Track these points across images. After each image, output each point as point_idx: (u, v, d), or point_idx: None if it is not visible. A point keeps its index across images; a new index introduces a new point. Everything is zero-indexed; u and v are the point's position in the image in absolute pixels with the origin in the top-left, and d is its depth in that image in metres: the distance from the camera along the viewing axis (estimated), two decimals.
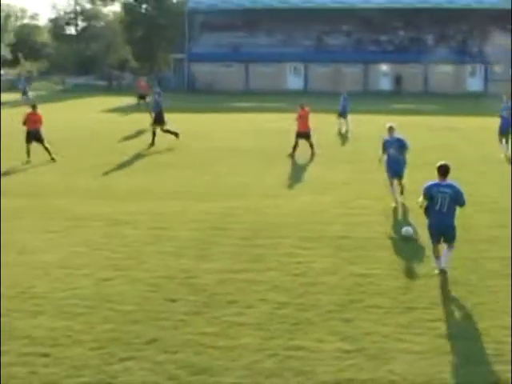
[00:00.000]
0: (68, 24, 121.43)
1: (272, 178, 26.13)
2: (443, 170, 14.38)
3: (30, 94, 63.10)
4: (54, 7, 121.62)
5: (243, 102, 59.77)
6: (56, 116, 51.75)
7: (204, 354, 11.08)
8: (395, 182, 21.03)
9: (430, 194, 14.32)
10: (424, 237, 15.89)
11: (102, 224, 19.39)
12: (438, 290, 13.95)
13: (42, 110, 41.43)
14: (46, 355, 11.08)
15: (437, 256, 14.72)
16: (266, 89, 77.97)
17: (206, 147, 34.40)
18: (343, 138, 38.73)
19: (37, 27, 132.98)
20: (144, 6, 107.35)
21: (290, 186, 24.42)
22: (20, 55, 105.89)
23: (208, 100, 66.75)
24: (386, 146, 21.23)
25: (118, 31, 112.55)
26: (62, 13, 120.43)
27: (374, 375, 10.45)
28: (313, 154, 30.66)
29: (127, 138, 38.18)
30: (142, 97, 55.31)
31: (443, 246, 14.74)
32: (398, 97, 73.08)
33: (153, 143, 34.16)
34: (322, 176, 26.34)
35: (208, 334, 11.80)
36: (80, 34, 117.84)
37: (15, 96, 72.73)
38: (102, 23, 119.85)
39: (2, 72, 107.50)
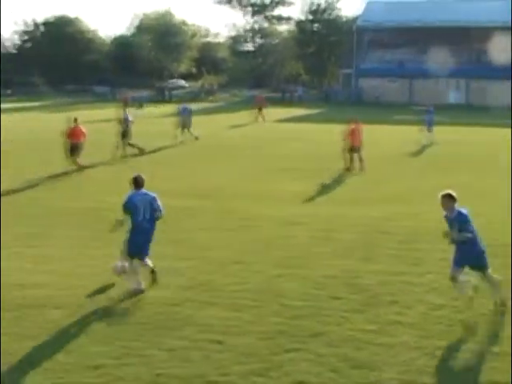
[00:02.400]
0: (246, 41, 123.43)
1: (428, 185, 25.60)
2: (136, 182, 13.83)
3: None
4: (234, 26, 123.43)
5: (406, 115, 59.06)
6: (231, 125, 52.79)
7: (364, 350, 10.96)
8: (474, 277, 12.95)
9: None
10: None
11: (273, 224, 19.53)
12: None
13: (220, 119, 41.80)
14: (219, 342, 11.24)
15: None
16: (428, 103, 76.72)
17: (369, 155, 34.19)
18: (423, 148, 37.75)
19: (218, 44, 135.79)
20: (316, 24, 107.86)
21: None
22: (203, 69, 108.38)
23: (373, 113, 66.22)
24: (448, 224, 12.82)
25: (291, 47, 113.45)
26: (241, 31, 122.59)
27: None
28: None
29: (294, 148, 38.32)
30: (259, 109, 57.52)
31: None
32: None
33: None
34: (478, 184, 25.63)
35: (368, 331, 11.67)
36: (257, 50, 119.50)
37: (199, 105, 74.43)
38: (277, 40, 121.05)
39: (187, 84, 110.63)
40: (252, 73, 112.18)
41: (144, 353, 10.84)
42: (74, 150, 28.89)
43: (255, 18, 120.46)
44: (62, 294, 13.58)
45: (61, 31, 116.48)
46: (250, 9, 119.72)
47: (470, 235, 12.31)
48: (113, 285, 14.05)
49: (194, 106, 75.90)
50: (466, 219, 12.47)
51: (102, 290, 13.85)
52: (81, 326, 12.00)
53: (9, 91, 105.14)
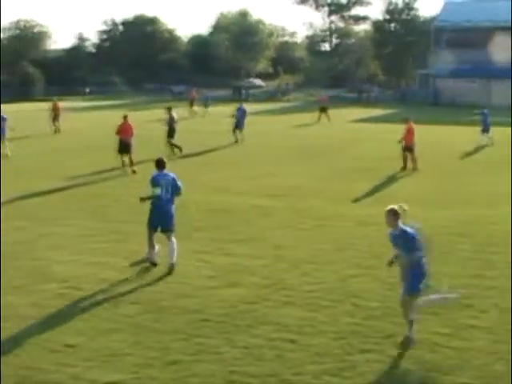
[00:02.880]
0: (323, 41, 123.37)
1: (504, 187, 25.18)
2: (159, 164, 15.64)
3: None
4: (310, 26, 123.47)
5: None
6: (305, 124, 52.76)
7: (438, 353, 10.88)
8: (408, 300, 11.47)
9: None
10: None
11: (348, 224, 19.50)
12: None
13: (294, 118, 41.60)
14: (292, 341, 11.29)
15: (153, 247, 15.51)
16: (507, 104, 75.47)
17: (446, 156, 33.89)
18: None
19: (295, 44, 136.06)
20: (393, 24, 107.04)
21: None
22: (279, 69, 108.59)
23: (449, 113, 65.49)
24: (392, 242, 11.78)
25: (367, 47, 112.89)
26: (317, 31, 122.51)
27: None
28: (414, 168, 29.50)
29: (369, 148, 38.13)
30: (323, 109, 56.23)
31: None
32: None
33: (180, 150, 34.24)
34: None
35: (442, 334, 11.58)
36: (333, 50, 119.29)
37: (275, 105, 74.60)
38: (353, 40, 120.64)
39: (264, 83, 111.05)
40: (328, 73, 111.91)
41: (219, 350, 10.97)
42: (122, 146, 29.10)
43: (332, 17, 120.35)
44: (138, 290, 13.82)
45: (139, 30, 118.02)
46: (326, 8, 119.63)
47: (420, 254, 11.32)
48: (190, 283, 14.24)
49: (270, 106, 76.63)
50: (412, 237, 11.36)
51: (179, 287, 14.03)
52: (157, 321, 12.19)
53: (88, 90, 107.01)
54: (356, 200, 23.10)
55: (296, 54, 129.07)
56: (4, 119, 35.06)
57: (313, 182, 26.52)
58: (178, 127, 35.22)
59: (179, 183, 15.59)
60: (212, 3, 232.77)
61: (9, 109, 47.34)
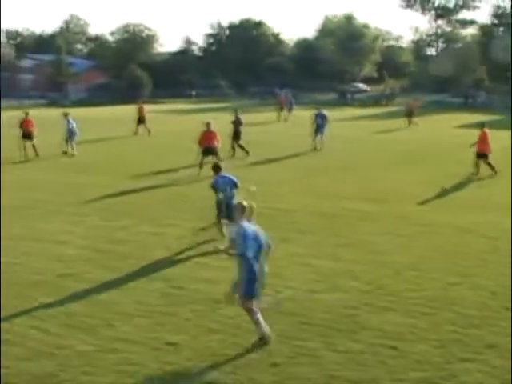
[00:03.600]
0: (429, 45, 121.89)
1: None
2: (217, 168, 18.23)
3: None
4: (416, 30, 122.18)
5: None
6: (404, 129, 52.25)
7: None
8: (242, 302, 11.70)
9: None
10: None
11: (450, 231, 19.25)
12: None
13: (397, 123, 40.83)
14: (393, 348, 11.24)
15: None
16: None
17: None
18: None
19: (400, 48, 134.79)
20: (501, 28, 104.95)
21: None
22: (385, 73, 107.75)
23: None
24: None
25: (474, 52, 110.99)
26: (423, 35, 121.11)
27: None
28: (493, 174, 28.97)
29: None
30: (409, 114, 55.04)
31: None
32: None
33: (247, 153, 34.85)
34: None
35: None
36: (439, 54, 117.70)
37: (379, 110, 73.96)
38: (460, 44, 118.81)
39: (369, 88, 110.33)
40: (434, 77, 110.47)
41: (318, 353, 11.00)
42: (206, 151, 29.14)
43: (438, 21, 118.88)
44: None
45: (245, 34, 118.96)
46: (433, 12, 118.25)
47: (248, 255, 11.19)
48: (292, 286, 14.31)
49: (373, 111, 76.02)
50: (243, 234, 11.25)
51: (281, 290, 14.10)
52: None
53: (194, 93, 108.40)
54: (460, 206, 22.76)
55: (401, 59, 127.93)
56: (72, 123, 36.67)
57: (413, 187, 26.23)
58: (243, 129, 36.01)
59: (236, 181, 17.92)
60: (318, 7, 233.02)
61: (114, 111, 48.59)
